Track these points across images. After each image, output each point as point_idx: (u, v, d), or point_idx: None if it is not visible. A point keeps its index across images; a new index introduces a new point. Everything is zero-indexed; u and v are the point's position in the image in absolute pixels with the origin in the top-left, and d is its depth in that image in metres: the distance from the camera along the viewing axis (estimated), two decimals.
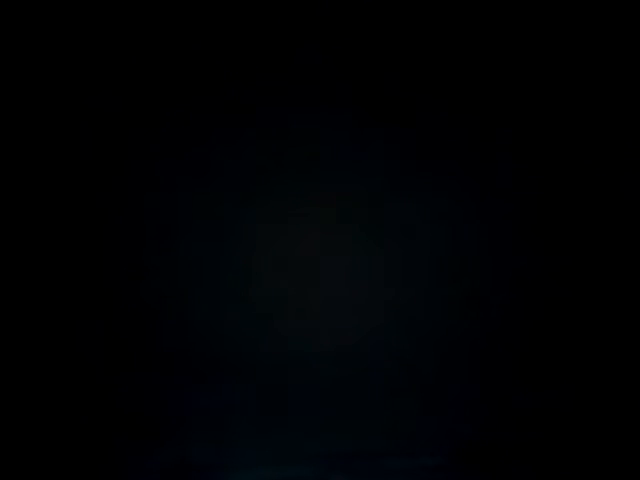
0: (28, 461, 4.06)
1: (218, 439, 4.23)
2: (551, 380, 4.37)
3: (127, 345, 4.31)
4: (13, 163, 4.22)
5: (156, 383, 4.30)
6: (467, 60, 4.33)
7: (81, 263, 4.30)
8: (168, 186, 4.32)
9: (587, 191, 4.39)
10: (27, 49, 4.20)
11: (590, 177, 4.39)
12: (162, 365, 4.32)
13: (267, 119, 4.33)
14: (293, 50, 4.29)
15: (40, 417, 4.27)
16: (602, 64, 4.37)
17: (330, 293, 4.38)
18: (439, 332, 4.41)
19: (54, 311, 4.29)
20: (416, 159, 4.36)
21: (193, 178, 4.34)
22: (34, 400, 4.28)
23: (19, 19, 4.18)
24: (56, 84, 4.24)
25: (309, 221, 4.37)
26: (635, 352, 4.35)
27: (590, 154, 4.39)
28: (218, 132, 4.35)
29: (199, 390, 4.30)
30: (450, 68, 4.34)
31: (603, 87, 4.37)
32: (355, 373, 4.37)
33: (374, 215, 4.38)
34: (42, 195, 4.26)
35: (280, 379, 4.33)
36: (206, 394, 4.30)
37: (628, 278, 4.39)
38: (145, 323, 4.31)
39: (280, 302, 4.36)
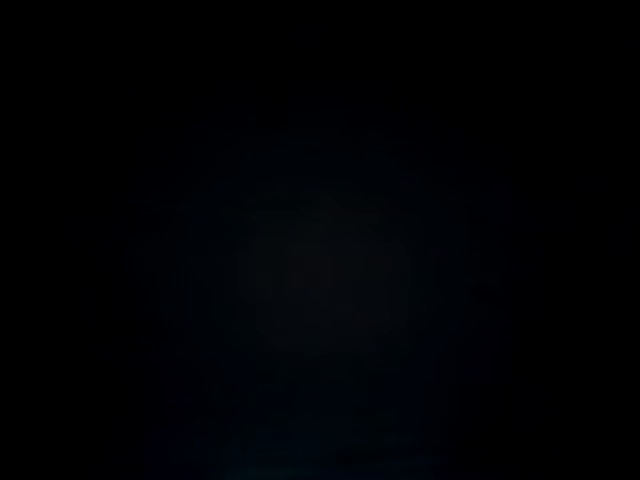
0: (23, 458, 4.06)
1: (217, 438, 4.23)
2: (552, 380, 4.38)
3: (126, 346, 4.31)
4: (8, 162, 4.22)
5: (155, 385, 4.30)
6: (468, 57, 4.33)
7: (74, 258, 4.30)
8: (167, 184, 4.32)
9: (587, 195, 4.40)
10: (24, 48, 4.20)
11: (590, 180, 4.39)
12: (161, 364, 4.33)
13: (266, 116, 4.33)
14: (291, 45, 4.29)
15: (35, 414, 4.27)
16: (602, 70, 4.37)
17: (330, 293, 4.38)
18: (440, 332, 4.41)
19: (52, 302, 4.29)
20: (418, 156, 4.36)
21: (191, 176, 4.34)
22: (29, 398, 4.28)
23: (15, 17, 4.18)
24: (48, 82, 4.23)
25: (309, 220, 4.37)
26: (635, 352, 4.36)
27: (590, 157, 4.39)
28: (216, 129, 4.35)
29: (199, 390, 4.30)
30: (451, 64, 4.34)
31: (603, 91, 4.37)
32: (355, 373, 4.37)
33: (375, 214, 4.38)
34: (38, 192, 4.25)
35: (279, 379, 4.33)
36: (205, 394, 4.30)
37: (629, 281, 4.39)
38: (144, 321, 4.31)
39: (280, 301, 4.36)
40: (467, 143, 4.39)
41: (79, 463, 4.02)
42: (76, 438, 4.24)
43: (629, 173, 4.36)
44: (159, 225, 4.32)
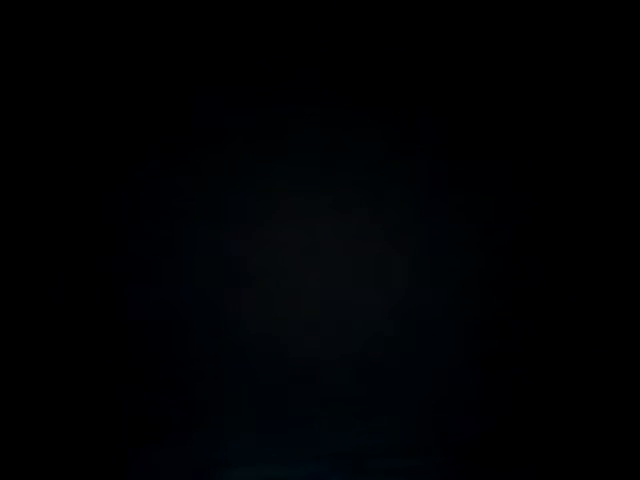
0: (28, 461, 4.06)
1: (218, 439, 4.23)
2: (553, 380, 4.38)
3: (128, 345, 4.31)
4: (8, 166, 4.22)
5: (157, 385, 4.29)
6: (468, 56, 4.33)
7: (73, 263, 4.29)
8: (166, 186, 4.32)
9: (589, 194, 4.40)
10: (25, 50, 4.20)
11: (592, 180, 4.39)
12: (162, 366, 4.32)
13: (266, 116, 4.33)
14: (290, 47, 4.29)
15: (40, 417, 4.27)
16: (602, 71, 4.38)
17: (330, 294, 4.38)
18: (440, 333, 4.41)
19: (51, 316, 4.28)
20: (418, 158, 4.36)
21: (192, 177, 4.34)
22: (34, 402, 4.28)
23: (16, 19, 4.17)
24: (51, 84, 4.23)
25: (309, 221, 4.37)
26: (634, 354, 4.36)
27: (592, 157, 4.39)
28: (216, 129, 4.35)
29: (200, 391, 4.30)
30: (452, 64, 4.34)
31: (604, 92, 4.38)
32: (355, 373, 4.37)
33: (376, 214, 4.38)
34: (37, 198, 4.25)
35: (280, 380, 4.33)
36: (207, 395, 4.30)
37: (628, 283, 4.39)
38: (145, 324, 4.31)
39: (281, 302, 4.36)
40: (468, 140, 4.39)
41: (79, 463, 4.01)
42: (77, 438, 4.24)
43: (629, 173, 4.37)
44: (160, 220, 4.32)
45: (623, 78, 4.33)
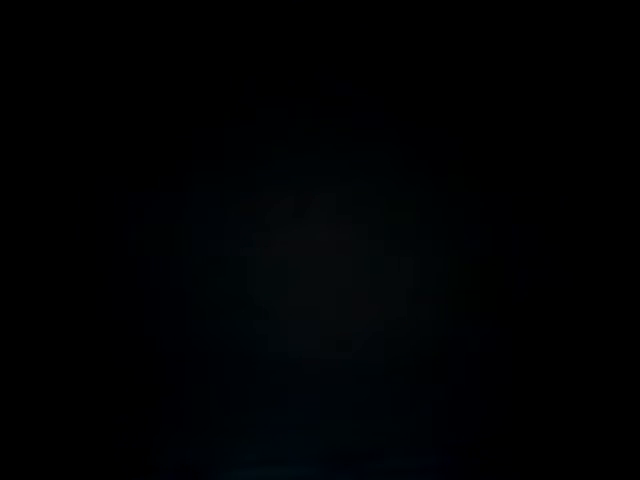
0: (23, 457, 4.06)
1: (217, 439, 4.23)
2: (553, 379, 4.38)
3: (123, 344, 4.31)
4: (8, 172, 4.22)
5: (155, 383, 4.30)
6: (468, 61, 4.33)
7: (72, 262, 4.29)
8: (165, 187, 4.32)
9: (592, 194, 4.40)
10: (25, 51, 4.20)
11: (595, 180, 4.39)
12: (162, 367, 4.32)
13: (265, 119, 4.33)
14: (292, 51, 4.29)
15: (39, 415, 4.27)
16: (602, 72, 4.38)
17: (331, 295, 4.38)
18: (439, 333, 4.41)
19: (46, 314, 4.29)
20: (420, 158, 4.36)
21: (191, 179, 4.34)
22: (33, 397, 4.28)
23: (15, 20, 4.18)
24: (51, 85, 4.23)
25: (309, 222, 4.37)
26: (634, 356, 4.36)
27: (594, 158, 4.39)
28: (215, 130, 4.35)
29: (199, 391, 4.30)
30: (453, 69, 4.34)
31: (604, 92, 4.38)
32: (356, 373, 4.37)
33: (377, 216, 4.38)
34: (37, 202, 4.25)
35: (280, 379, 4.33)
36: (206, 395, 4.30)
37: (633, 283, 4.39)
38: (142, 323, 4.31)
39: (281, 303, 4.36)
40: (468, 146, 4.39)
41: (79, 463, 4.01)
42: (77, 438, 4.24)
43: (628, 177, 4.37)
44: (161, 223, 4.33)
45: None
